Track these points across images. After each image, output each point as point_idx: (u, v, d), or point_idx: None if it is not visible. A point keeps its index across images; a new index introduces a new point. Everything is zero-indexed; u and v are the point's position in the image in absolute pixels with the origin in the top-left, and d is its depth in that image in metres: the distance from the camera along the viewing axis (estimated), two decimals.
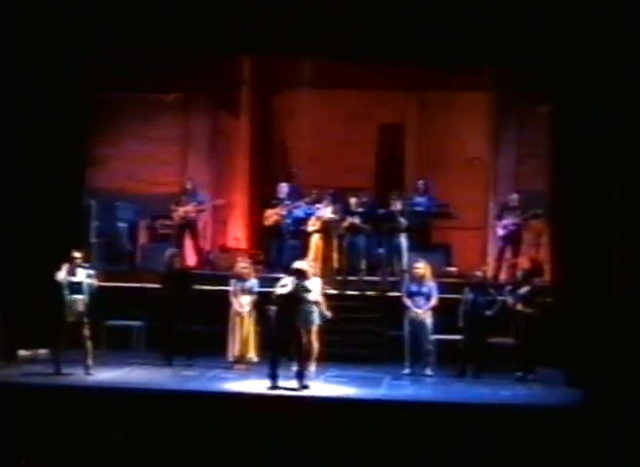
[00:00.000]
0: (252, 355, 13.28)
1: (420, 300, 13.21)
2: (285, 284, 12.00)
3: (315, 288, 12.93)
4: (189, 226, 16.25)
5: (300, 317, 12.25)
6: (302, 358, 12.03)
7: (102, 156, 16.72)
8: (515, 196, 15.70)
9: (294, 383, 11.83)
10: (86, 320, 12.40)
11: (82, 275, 12.45)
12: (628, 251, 11.95)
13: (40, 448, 10.42)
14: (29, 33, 13.25)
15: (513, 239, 15.64)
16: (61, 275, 12.34)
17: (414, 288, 13.30)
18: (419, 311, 13.14)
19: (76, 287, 12.38)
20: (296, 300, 11.95)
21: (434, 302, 13.21)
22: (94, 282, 12.53)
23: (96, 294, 12.52)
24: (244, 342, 13.25)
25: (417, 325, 13.15)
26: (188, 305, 13.24)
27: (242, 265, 13.58)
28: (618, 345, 11.94)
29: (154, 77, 16.68)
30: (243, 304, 13.29)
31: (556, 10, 12.80)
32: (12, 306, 13.22)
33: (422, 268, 13.37)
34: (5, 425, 10.47)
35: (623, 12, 12.14)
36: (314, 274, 13.18)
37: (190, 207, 16.15)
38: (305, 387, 11.81)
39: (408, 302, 13.24)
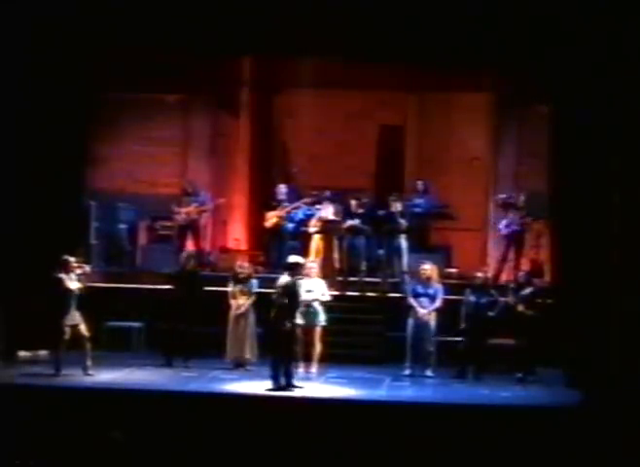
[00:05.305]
0: (251, 356, 13.29)
1: (425, 301, 13.22)
2: (282, 281, 12.02)
3: (319, 289, 12.96)
4: (191, 227, 16.24)
5: (302, 316, 12.30)
6: (293, 358, 12.06)
7: (102, 156, 16.72)
8: (522, 196, 15.59)
9: (296, 384, 11.87)
10: (84, 322, 12.44)
11: (76, 280, 12.47)
12: (628, 251, 11.95)
13: (40, 448, 10.40)
14: (30, 33, 13.24)
15: (515, 240, 15.59)
16: (68, 282, 12.35)
17: (420, 289, 13.30)
18: (424, 312, 13.14)
19: (74, 292, 12.42)
20: (290, 294, 11.92)
21: (438, 303, 13.21)
22: (88, 271, 12.60)
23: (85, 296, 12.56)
24: (243, 344, 13.24)
25: (421, 326, 13.16)
26: (195, 307, 13.23)
27: (241, 265, 13.59)
28: (618, 346, 11.94)
29: (154, 77, 16.67)
30: (242, 305, 13.29)
31: (556, 10, 12.81)
32: (12, 307, 13.23)
33: (429, 269, 13.38)
34: (5, 425, 10.47)
35: (623, 11, 12.13)
36: (317, 275, 13.23)
37: (192, 208, 16.15)
38: (294, 387, 11.80)
39: (413, 302, 13.24)
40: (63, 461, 10.35)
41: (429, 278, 13.34)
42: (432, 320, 13.20)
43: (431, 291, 13.27)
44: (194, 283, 13.50)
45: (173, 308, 13.35)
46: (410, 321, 13.21)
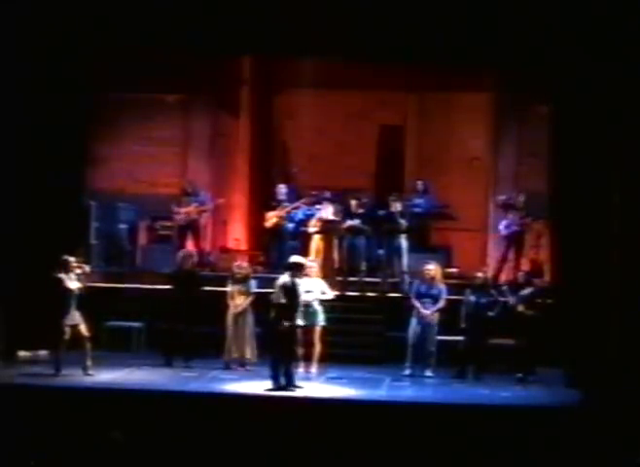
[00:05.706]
0: (251, 356, 13.28)
1: (428, 302, 13.20)
2: (282, 281, 12.02)
3: (319, 289, 12.97)
4: (190, 226, 16.24)
5: (302, 316, 12.30)
6: (293, 358, 12.08)
7: (102, 156, 16.72)
8: (522, 196, 15.60)
9: (296, 384, 11.88)
10: (84, 322, 12.43)
11: (76, 280, 12.46)
12: (628, 251, 11.95)
13: (40, 448, 10.40)
14: (30, 33, 13.24)
15: (515, 240, 15.58)
16: (68, 282, 12.35)
17: (423, 289, 13.29)
18: (427, 313, 13.13)
19: (74, 292, 12.41)
20: (290, 294, 11.91)
21: (441, 304, 13.21)
22: (87, 270, 12.61)
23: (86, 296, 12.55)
24: (243, 344, 13.24)
25: (424, 326, 13.15)
26: (193, 307, 13.23)
27: (239, 266, 13.58)
28: (617, 346, 11.94)
29: (154, 77, 16.67)
30: (240, 304, 13.28)
31: (556, 10, 12.81)
32: (12, 307, 13.23)
33: (433, 269, 13.37)
34: (5, 425, 10.46)
35: (623, 11, 12.14)
36: (317, 275, 13.23)
37: (192, 208, 16.15)
38: (294, 387, 11.80)
39: (416, 303, 13.23)
40: (63, 461, 10.35)
41: (433, 278, 13.33)
42: (434, 320, 13.20)
43: (435, 291, 13.26)
44: (191, 283, 13.49)
45: (172, 308, 13.36)
46: (413, 321, 13.21)
